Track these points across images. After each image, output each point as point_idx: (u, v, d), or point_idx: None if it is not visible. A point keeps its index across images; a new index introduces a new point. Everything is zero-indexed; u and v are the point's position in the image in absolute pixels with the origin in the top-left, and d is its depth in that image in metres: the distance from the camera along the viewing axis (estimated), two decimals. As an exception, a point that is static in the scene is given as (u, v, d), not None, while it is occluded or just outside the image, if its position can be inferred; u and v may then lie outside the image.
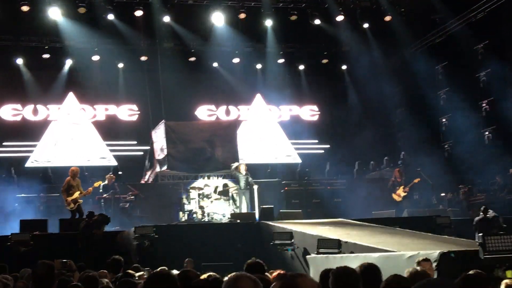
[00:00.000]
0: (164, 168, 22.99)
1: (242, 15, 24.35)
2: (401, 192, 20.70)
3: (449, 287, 5.22)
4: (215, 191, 21.83)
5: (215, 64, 27.63)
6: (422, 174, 22.36)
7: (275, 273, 7.40)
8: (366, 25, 25.47)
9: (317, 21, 25.00)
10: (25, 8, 22.37)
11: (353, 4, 24.97)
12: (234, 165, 21.61)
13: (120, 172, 24.01)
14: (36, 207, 21.45)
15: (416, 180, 21.19)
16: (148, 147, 25.02)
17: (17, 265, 11.53)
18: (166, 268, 6.50)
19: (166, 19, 24.31)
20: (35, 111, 26.06)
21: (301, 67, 28.39)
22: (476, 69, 23.25)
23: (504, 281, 5.94)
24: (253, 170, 22.93)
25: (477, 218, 18.18)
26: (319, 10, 24.93)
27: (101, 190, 20.57)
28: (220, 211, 20.88)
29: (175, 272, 6.63)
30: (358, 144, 26.57)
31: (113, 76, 26.68)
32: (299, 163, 27.36)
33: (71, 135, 26.14)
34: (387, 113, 28.01)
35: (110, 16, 23.67)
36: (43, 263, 6.23)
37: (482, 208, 18.46)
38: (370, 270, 5.89)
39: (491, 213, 18.25)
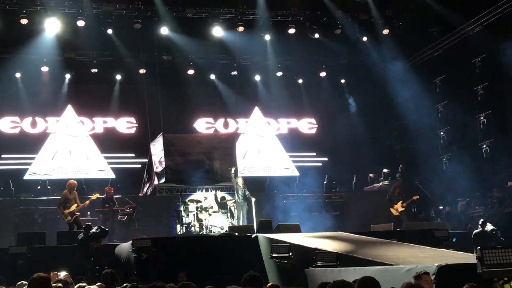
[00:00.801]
0: (162, 180, 22.96)
1: (241, 28, 24.43)
2: (399, 206, 20.69)
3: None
4: (215, 200, 21.89)
5: (212, 77, 27.70)
6: (420, 187, 22.38)
7: (268, 285, 7.39)
8: (364, 39, 25.55)
9: (316, 34, 25.11)
10: (24, 21, 22.45)
11: (351, 18, 25.06)
12: (232, 169, 21.58)
13: (118, 185, 23.97)
14: (34, 220, 21.41)
15: (415, 197, 21.16)
16: (146, 160, 24.99)
17: (14, 278, 11.51)
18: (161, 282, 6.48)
19: (165, 32, 24.41)
20: (33, 124, 26.05)
21: (300, 80, 28.43)
22: (474, 83, 23.30)
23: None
24: (251, 183, 22.90)
25: (475, 231, 18.21)
26: (317, 24, 25.03)
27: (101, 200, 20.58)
28: (218, 224, 20.88)
29: (171, 285, 6.62)
30: (356, 157, 26.58)
31: (112, 88, 26.74)
32: (297, 176, 27.33)
33: (70, 147, 26.14)
34: (386, 126, 28.06)
35: (109, 29, 23.80)
36: (39, 276, 6.20)
37: (480, 222, 18.49)
38: (368, 283, 5.87)
39: (489, 227, 18.28)
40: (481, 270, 7.72)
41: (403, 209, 20.73)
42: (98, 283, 9.93)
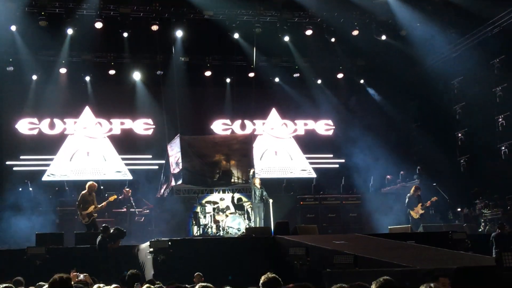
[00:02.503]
0: (180, 182, 23.00)
1: (258, 30, 24.44)
2: (419, 209, 20.54)
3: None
4: (232, 201, 21.91)
5: (229, 78, 27.74)
6: (438, 189, 22.25)
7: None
8: (382, 38, 25.41)
9: (333, 36, 25.12)
10: (42, 24, 22.61)
11: (369, 19, 24.99)
12: (251, 171, 21.62)
13: (135, 186, 24.05)
14: (52, 221, 21.53)
15: (433, 199, 21.00)
16: (163, 161, 25.06)
17: (33, 278, 11.57)
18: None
19: (182, 33, 24.47)
20: (51, 125, 26.18)
21: (317, 81, 28.36)
22: (492, 84, 23.17)
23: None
24: (269, 184, 22.91)
25: (494, 234, 18.08)
26: (335, 25, 24.99)
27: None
28: (235, 225, 20.89)
29: (187, 286, 6.64)
30: (373, 158, 26.48)
31: (129, 90, 26.81)
32: (315, 178, 27.30)
33: (87, 149, 26.26)
34: (403, 128, 27.96)
35: (127, 31, 23.90)
36: (60, 277, 6.22)
37: (498, 224, 18.36)
38: (387, 286, 5.84)
39: (507, 229, 18.15)
40: (500, 273, 7.68)
41: (423, 211, 20.59)
42: (115, 285, 9.95)
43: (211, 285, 5.74)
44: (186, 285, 7.63)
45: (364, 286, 5.38)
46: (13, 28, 23.14)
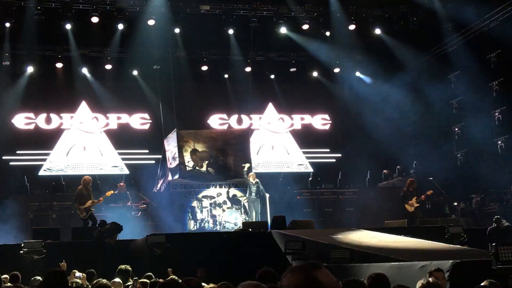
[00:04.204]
0: (176, 176, 22.99)
1: (255, 24, 24.42)
2: (414, 202, 20.57)
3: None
4: (228, 196, 21.91)
5: (226, 73, 27.72)
6: (434, 183, 22.26)
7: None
8: (378, 33, 25.41)
9: (329, 30, 25.09)
10: (39, 18, 22.56)
11: (365, 13, 24.98)
12: (246, 166, 21.57)
13: (132, 181, 24.04)
14: (49, 215, 21.51)
15: (428, 192, 21.02)
16: (160, 156, 25.05)
17: (30, 273, 11.57)
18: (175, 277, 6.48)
19: (178, 28, 24.44)
20: (48, 120, 26.14)
21: (314, 74, 28.33)
22: (489, 78, 23.18)
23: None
24: (265, 179, 22.90)
25: (490, 228, 18.11)
26: (331, 20, 24.97)
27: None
28: (232, 220, 20.91)
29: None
30: (370, 153, 26.47)
31: (126, 84, 26.77)
32: (311, 172, 27.28)
33: (84, 143, 26.24)
34: (399, 122, 27.92)
35: (122, 25, 23.87)
36: (55, 271, 6.24)
37: (495, 218, 18.39)
38: (378, 280, 5.86)
39: (504, 223, 18.18)
40: (496, 267, 7.69)
41: (418, 205, 20.61)
42: (114, 279, 9.96)
43: (195, 279, 5.74)
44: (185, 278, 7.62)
45: (358, 282, 5.39)
46: (8, 24, 23.09)
